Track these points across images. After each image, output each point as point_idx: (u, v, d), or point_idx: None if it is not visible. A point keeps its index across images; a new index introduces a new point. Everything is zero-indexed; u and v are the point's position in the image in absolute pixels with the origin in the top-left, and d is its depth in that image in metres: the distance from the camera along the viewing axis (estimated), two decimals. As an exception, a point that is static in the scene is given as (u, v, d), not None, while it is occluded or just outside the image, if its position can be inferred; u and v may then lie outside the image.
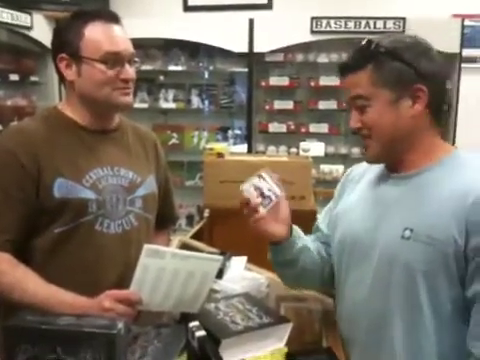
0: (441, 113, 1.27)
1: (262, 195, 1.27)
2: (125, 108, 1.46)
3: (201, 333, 1.02)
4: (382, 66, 1.20)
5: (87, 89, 1.39)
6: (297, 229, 1.39)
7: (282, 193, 1.30)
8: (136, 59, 1.45)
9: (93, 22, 1.38)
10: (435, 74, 1.22)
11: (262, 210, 1.26)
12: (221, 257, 1.28)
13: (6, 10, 3.80)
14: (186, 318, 1.22)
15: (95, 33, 1.37)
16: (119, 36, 1.39)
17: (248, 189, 1.26)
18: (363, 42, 1.23)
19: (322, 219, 1.50)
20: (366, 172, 1.41)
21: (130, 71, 1.40)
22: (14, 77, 4.09)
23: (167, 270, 1.18)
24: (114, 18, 1.41)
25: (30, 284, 1.27)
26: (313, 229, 1.51)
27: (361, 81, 1.22)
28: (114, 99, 1.39)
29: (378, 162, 1.33)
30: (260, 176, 1.29)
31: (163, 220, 1.65)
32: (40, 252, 1.36)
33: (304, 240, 1.39)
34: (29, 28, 4.13)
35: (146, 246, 1.16)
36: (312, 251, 1.40)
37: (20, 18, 3.99)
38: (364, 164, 1.45)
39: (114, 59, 1.37)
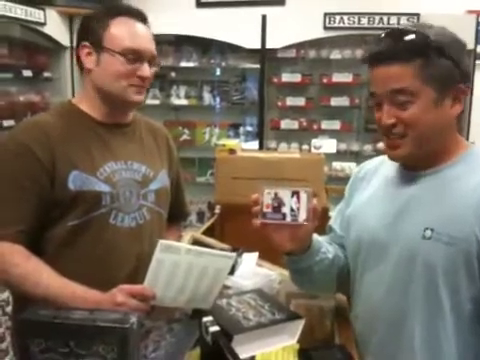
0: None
1: (277, 207, 1.17)
2: (136, 106, 1.47)
3: (215, 328, 1.01)
4: (431, 62, 1.12)
5: (103, 80, 1.41)
6: (318, 242, 1.30)
7: (305, 222, 1.17)
8: (157, 61, 1.46)
9: (120, 17, 1.40)
10: (470, 73, 1.19)
11: (255, 220, 1.18)
12: (235, 254, 1.28)
13: (19, 6, 3.81)
14: (198, 313, 1.22)
15: (120, 27, 1.39)
16: (143, 35, 1.41)
17: (267, 193, 1.17)
18: (408, 31, 1.14)
19: (334, 220, 1.47)
20: (378, 169, 1.38)
21: (147, 70, 1.40)
22: (27, 73, 4.09)
23: (181, 266, 1.18)
24: (142, 17, 1.44)
25: (43, 277, 1.28)
26: (327, 230, 1.49)
27: (406, 74, 1.13)
28: (128, 95, 1.40)
29: (407, 161, 1.26)
30: (296, 192, 1.16)
31: (174, 215, 1.65)
32: (53, 245, 1.36)
33: (323, 253, 1.31)
34: (42, 24, 4.13)
35: (161, 241, 1.16)
36: (330, 259, 1.33)
37: (33, 14, 4.00)
38: (374, 161, 1.42)
39: (134, 56, 1.38)
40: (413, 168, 1.26)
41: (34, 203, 1.33)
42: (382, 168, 1.37)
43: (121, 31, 1.39)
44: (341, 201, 1.49)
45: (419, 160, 1.23)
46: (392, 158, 1.26)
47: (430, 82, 1.13)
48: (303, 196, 1.16)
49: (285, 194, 1.16)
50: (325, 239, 1.43)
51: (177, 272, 1.18)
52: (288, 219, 1.17)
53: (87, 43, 1.41)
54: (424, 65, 1.12)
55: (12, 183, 1.33)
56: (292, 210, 1.16)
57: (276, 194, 1.16)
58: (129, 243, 1.41)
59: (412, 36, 1.13)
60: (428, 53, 1.12)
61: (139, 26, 1.41)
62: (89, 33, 1.41)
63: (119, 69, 1.38)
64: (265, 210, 1.17)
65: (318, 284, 1.38)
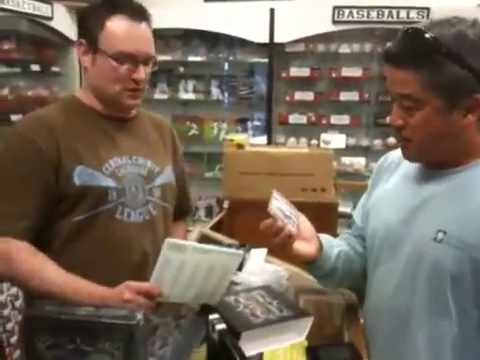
0: None
1: (286, 216, 1.23)
2: (130, 109, 1.47)
3: (222, 326, 1.00)
4: (441, 70, 1.04)
5: (98, 81, 1.39)
6: (326, 238, 1.35)
7: (297, 212, 1.28)
8: (153, 60, 1.41)
9: (118, 15, 1.34)
10: None
11: (291, 228, 1.22)
12: (242, 252, 1.27)
13: (27, 0, 3.81)
14: (206, 310, 1.21)
15: (116, 28, 1.33)
16: (139, 36, 1.36)
17: (275, 211, 1.21)
18: (418, 33, 1.06)
19: (357, 212, 1.46)
20: (401, 161, 1.34)
21: (142, 73, 1.36)
22: (35, 68, 4.11)
23: (188, 264, 1.16)
24: (141, 14, 1.37)
25: (49, 273, 1.27)
26: (350, 223, 1.49)
27: (412, 81, 1.07)
28: (122, 99, 1.39)
29: (417, 162, 1.25)
30: (276, 198, 1.24)
31: (179, 212, 1.64)
32: (59, 240, 1.35)
33: (338, 246, 1.36)
34: (50, 18, 4.14)
35: (167, 240, 1.15)
36: (349, 253, 1.37)
37: (41, 8, 4.01)
38: (399, 152, 1.40)
39: (127, 59, 1.34)
40: (433, 166, 1.22)
41: (39, 199, 1.32)
42: (405, 161, 1.31)
43: (116, 32, 1.33)
44: (364, 193, 1.47)
45: (434, 161, 1.20)
46: (403, 157, 1.25)
47: (437, 91, 1.06)
48: (278, 197, 1.25)
49: (277, 203, 1.23)
50: (345, 234, 1.47)
51: (184, 270, 1.17)
52: (294, 219, 1.25)
53: (84, 41, 1.38)
54: (431, 73, 1.05)
55: (17, 179, 1.32)
56: (288, 210, 1.26)
57: (278, 207, 1.22)
58: (136, 238, 1.40)
59: (421, 41, 1.05)
60: (437, 60, 1.04)
61: (135, 26, 1.35)
62: (86, 30, 1.37)
63: (112, 73, 1.35)
64: (284, 221, 1.22)
65: (345, 281, 1.41)
